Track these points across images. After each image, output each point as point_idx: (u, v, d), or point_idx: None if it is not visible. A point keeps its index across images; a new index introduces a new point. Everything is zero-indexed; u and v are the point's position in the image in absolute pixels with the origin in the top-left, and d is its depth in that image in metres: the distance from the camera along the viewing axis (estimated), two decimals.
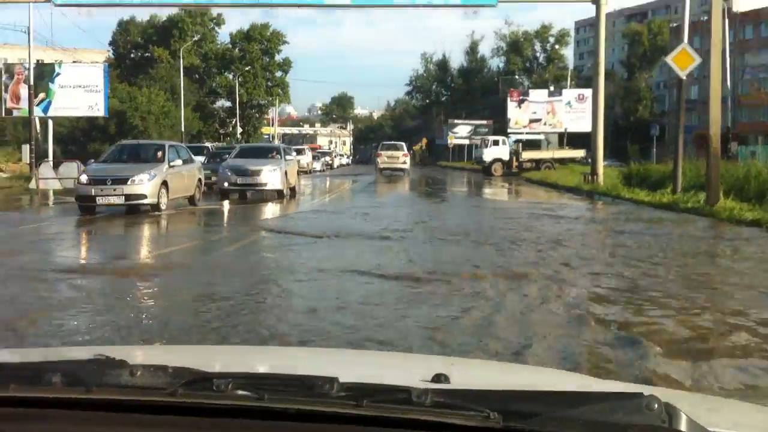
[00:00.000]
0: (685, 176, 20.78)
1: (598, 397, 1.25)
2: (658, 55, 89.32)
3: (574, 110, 52.08)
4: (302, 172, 46.96)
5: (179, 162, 19.17)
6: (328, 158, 64.44)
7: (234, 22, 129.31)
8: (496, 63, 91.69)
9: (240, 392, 1.26)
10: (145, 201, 17.37)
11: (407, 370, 1.87)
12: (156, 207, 17.53)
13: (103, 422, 1.27)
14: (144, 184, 17.30)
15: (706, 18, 71.63)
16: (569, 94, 54.80)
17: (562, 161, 46.88)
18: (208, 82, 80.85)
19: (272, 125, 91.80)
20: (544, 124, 53.24)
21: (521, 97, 54.85)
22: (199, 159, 24.07)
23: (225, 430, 1.25)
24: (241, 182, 22.64)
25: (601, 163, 28.04)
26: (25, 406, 1.30)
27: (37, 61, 46.43)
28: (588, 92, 54.85)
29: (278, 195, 22.79)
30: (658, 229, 14.28)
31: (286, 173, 23.01)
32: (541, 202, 22.93)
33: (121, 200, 17.27)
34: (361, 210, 18.39)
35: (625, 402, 1.19)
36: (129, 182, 17.21)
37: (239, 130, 74.34)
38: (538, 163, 46.60)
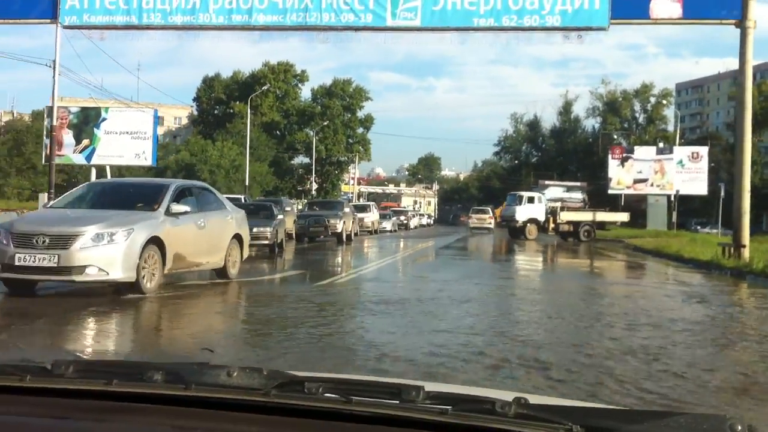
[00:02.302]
0: None
1: (680, 415, 1.20)
2: None
3: (687, 170, 43.69)
4: (366, 231, 40.08)
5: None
6: (402, 217, 56.85)
7: (319, 79, 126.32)
8: (591, 123, 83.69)
9: (329, 395, 1.28)
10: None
11: (489, 394, 1.68)
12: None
13: (200, 418, 1.29)
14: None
15: None
16: (681, 152, 46.35)
17: (602, 225, 40.66)
18: (287, 138, 75.54)
19: (352, 183, 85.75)
20: (651, 185, 44.80)
21: (624, 155, 46.58)
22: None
23: (313, 431, 1.26)
24: None
25: (746, 234, 19.96)
26: (127, 400, 1.34)
27: (81, 108, 41.32)
28: (704, 150, 46.75)
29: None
30: None
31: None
32: (681, 287, 15.18)
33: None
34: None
35: (707, 421, 1.15)
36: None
37: (314, 186, 68.32)
38: (576, 226, 39.57)
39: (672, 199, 44.48)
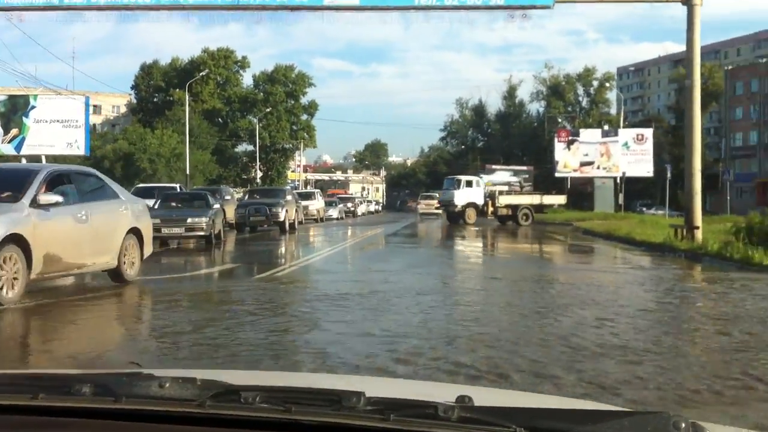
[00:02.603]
0: None
1: (624, 414, 1.19)
2: (709, 99, 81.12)
3: (633, 152, 43.54)
4: (312, 220, 38.84)
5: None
6: (350, 204, 55.57)
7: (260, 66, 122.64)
8: (536, 108, 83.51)
9: (267, 405, 1.24)
10: None
11: (431, 392, 1.76)
12: None
13: None
14: None
15: (763, 60, 62.84)
16: (626, 134, 46.14)
17: (540, 208, 39.88)
18: (230, 126, 73.66)
19: (299, 170, 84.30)
20: (598, 167, 44.50)
21: (570, 138, 46.12)
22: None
23: None
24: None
25: (698, 214, 19.40)
26: (54, 415, 1.28)
27: (8, 96, 39.34)
28: (648, 132, 46.62)
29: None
30: None
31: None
32: (637, 272, 14.49)
33: None
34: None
35: (651, 419, 1.13)
36: None
37: (259, 174, 66.70)
38: (515, 210, 38.59)
39: (618, 181, 44.24)
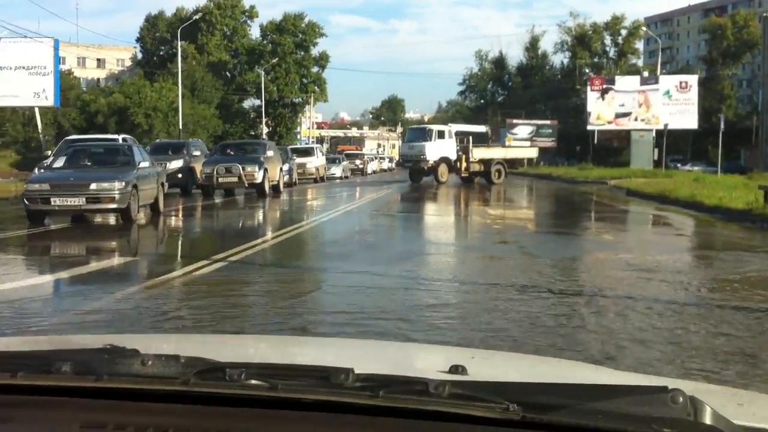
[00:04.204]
0: None
1: (621, 390, 1.16)
2: (743, 49, 74.56)
3: (675, 102, 37.73)
4: (310, 179, 33.60)
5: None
6: (358, 161, 49.31)
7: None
8: (560, 59, 77.23)
9: (253, 382, 1.18)
10: None
11: (424, 361, 1.77)
12: None
13: (114, 411, 1.21)
14: None
15: None
16: (668, 81, 40.15)
17: (512, 163, 34.72)
18: (237, 79, 68.22)
19: (307, 125, 78.90)
20: (636, 119, 38.69)
21: (605, 86, 40.00)
22: None
23: (238, 420, 1.18)
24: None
25: None
26: (34, 394, 1.25)
27: None
28: (693, 79, 40.75)
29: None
30: None
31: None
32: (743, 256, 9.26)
33: None
34: None
35: (649, 395, 1.10)
36: None
37: (265, 129, 61.34)
38: (488, 165, 32.54)
39: (658, 134, 38.35)
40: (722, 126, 28.97)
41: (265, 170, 20.48)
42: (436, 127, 33.45)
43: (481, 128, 37.96)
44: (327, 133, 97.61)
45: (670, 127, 36.82)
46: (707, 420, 1.06)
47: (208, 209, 18.25)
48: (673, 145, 58.27)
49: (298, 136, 73.57)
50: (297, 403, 1.15)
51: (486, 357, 2.07)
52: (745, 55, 76.32)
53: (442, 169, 31.36)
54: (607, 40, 73.90)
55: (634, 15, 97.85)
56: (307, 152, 34.96)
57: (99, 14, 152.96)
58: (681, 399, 1.06)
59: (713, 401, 1.10)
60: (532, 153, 38.27)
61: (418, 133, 33.79)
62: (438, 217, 17.93)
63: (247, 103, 70.36)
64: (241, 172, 19.94)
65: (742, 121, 71.33)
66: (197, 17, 59.56)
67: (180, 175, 21.20)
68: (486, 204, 21.73)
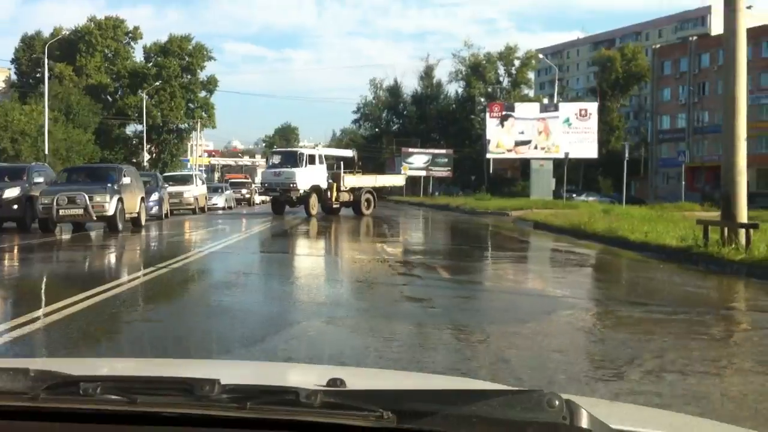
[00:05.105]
0: None
1: (496, 394, 1.12)
2: (632, 81, 75.63)
3: (575, 130, 36.31)
4: (189, 210, 30.09)
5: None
6: (244, 190, 45.65)
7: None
8: (454, 88, 76.25)
9: (111, 396, 1.09)
10: None
11: (302, 377, 1.68)
12: None
13: None
14: None
15: (693, 38, 56.83)
16: (568, 109, 38.84)
17: (380, 192, 31.84)
18: (119, 103, 63.65)
19: (204, 154, 74.80)
20: (536, 147, 37.01)
21: (504, 113, 38.15)
22: None
23: None
24: None
25: (744, 209, 11.87)
26: None
27: None
28: (593, 107, 39.57)
29: None
30: None
31: None
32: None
33: None
34: None
35: (524, 398, 1.07)
36: None
37: (146, 156, 57.00)
38: (357, 194, 28.95)
39: (555, 164, 36.79)
40: (626, 155, 27.72)
41: (120, 200, 17.02)
42: (307, 151, 29.31)
43: (348, 152, 33.89)
44: (218, 161, 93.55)
45: (571, 155, 35.43)
46: (584, 424, 1.02)
47: (35, 251, 14.15)
48: (566, 175, 57.81)
49: (187, 164, 69.37)
50: (158, 417, 1.05)
51: (363, 372, 2.04)
52: (633, 87, 77.50)
53: (313, 200, 27.39)
54: (501, 70, 73.67)
55: (526, 47, 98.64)
56: (185, 180, 31.33)
57: None
58: (557, 402, 1.02)
59: (587, 407, 1.05)
60: (400, 181, 37.10)
61: (286, 157, 29.39)
62: (324, 259, 14.96)
63: (130, 129, 65.89)
64: (88, 202, 16.32)
65: (631, 152, 72.16)
66: (66, 34, 55.08)
67: (16, 206, 17.46)
68: (383, 240, 18.85)
